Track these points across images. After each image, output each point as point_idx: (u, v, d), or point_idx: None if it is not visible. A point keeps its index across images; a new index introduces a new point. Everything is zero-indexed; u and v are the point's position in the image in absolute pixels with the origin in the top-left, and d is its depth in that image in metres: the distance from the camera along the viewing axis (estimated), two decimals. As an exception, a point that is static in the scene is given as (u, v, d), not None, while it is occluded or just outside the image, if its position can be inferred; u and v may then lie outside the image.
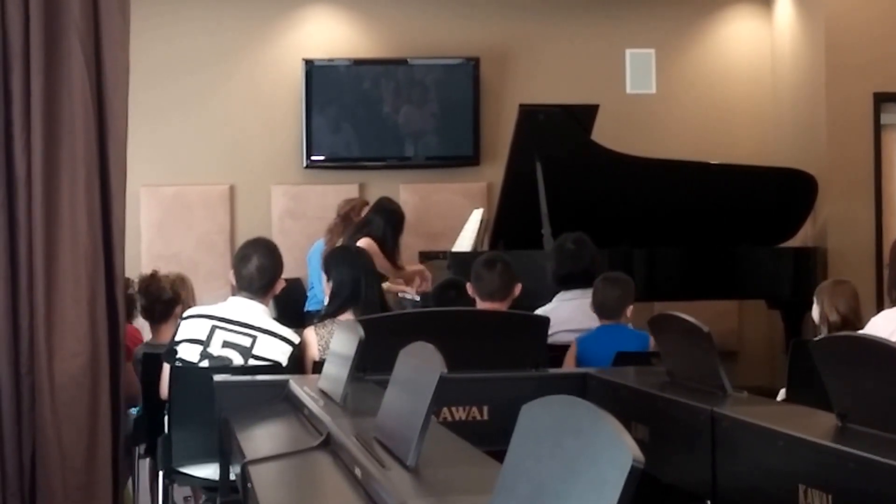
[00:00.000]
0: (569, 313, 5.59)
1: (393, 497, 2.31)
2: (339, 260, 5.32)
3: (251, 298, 4.87)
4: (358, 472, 2.66)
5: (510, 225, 7.95)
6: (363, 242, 7.52)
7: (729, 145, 9.77)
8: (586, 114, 8.09)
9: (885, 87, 9.06)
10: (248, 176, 9.62)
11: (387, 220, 7.84)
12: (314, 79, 9.58)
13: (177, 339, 4.82)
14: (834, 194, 8.93)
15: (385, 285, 6.45)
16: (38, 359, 4.83)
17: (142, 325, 6.12)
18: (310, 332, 5.00)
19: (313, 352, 4.92)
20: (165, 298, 5.72)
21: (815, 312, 5.64)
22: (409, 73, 9.72)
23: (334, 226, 8.37)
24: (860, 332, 4.70)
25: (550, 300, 5.83)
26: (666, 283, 8.04)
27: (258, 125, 9.64)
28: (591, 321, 5.47)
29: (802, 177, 8.47)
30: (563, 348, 5.29)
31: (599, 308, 5.36)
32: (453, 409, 4.27)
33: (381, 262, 7.25)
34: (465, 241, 8.35)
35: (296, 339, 4.83)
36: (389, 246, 7.77)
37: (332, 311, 5.10)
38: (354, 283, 5.11)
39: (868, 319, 5.21)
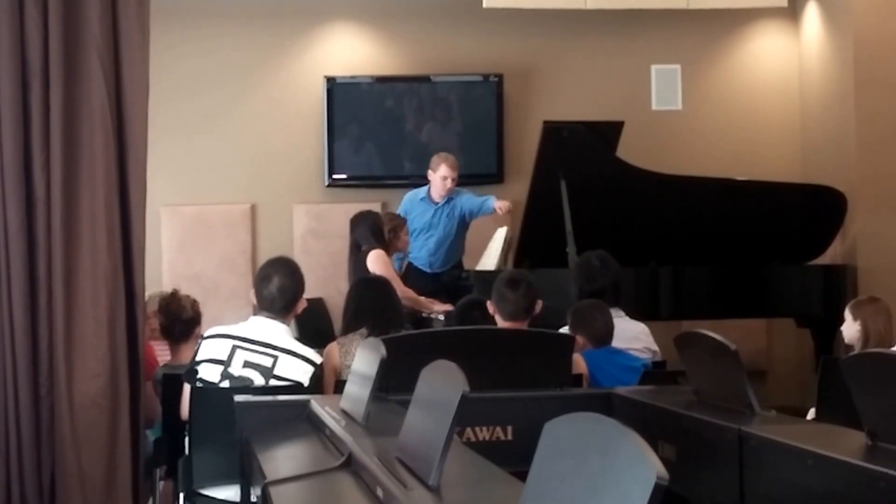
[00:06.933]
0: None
1: (415, 517, 2.28)
2: (362, 290, 5.59)
3: (272, 318, 4.84)
4: (380, 492, 2.64)
5: (534, 243, 7.90)
6: (375, 255, 7.49)
7: (756, 162, 9.69)
8: (611, 130, 8.05)
9: (915, 102, 8.97)
10: (270, 195, 9.60)
11: (370, 229, 7.80)
12: (336, 96, 9.56)
13: (197, 358, 4.79)
14: (864, 211, 8.84)
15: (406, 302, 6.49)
16: (57, 379, 4.82)
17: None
18: (333, 346, 5.14)
19: (335, 362, 5.01)
20: (185, 318, 5.70)
21: (847, 329, 5.57)
22: (432, 91, 9.70)
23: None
24: (892, 349, 4.62)
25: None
26: (693, 301, 7.97)
27: (280, 143, 9.63)
28: (616, 340, 5.43)
29: (831, 193, 8.40)
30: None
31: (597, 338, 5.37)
32: (477, 429, 4.23)
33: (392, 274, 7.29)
34: (489, 260, 8.31)
35: (317, 359, 4.82)
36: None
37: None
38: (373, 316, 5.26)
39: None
